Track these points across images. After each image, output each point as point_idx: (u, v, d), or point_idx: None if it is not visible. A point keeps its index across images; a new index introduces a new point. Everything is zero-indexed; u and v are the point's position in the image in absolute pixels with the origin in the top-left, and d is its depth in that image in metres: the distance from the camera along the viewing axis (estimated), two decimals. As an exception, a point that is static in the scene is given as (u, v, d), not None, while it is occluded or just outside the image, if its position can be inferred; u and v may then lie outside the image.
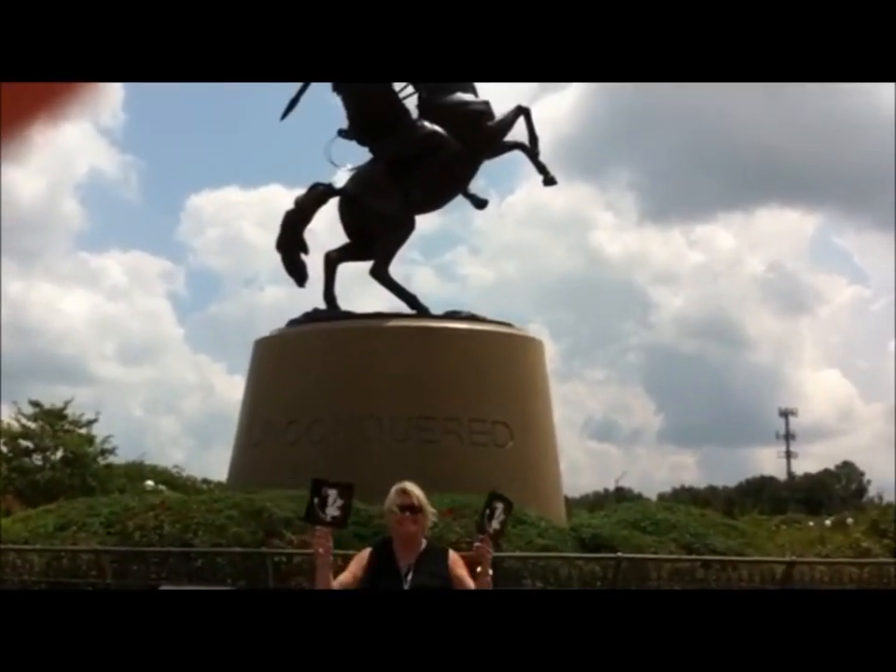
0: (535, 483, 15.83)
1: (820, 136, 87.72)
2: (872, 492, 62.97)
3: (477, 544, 5.23)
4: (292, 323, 17.77)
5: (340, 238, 17.84)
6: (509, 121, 17.95)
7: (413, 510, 5.14)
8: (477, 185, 19.23)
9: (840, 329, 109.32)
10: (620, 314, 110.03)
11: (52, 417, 36.34)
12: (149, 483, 29.56)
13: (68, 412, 36.90)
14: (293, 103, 17.12)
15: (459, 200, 18.63)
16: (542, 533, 13.11)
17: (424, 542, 5.25)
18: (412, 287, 18.04)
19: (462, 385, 16.21)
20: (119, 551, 12.73)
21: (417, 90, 17.67)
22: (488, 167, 19.03)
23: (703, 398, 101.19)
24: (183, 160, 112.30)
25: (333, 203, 17.62)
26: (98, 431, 37.67)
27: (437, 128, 17.18)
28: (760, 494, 61.79)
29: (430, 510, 5.29)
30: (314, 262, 17.58)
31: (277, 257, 17.59)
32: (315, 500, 5.00)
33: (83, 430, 37.21)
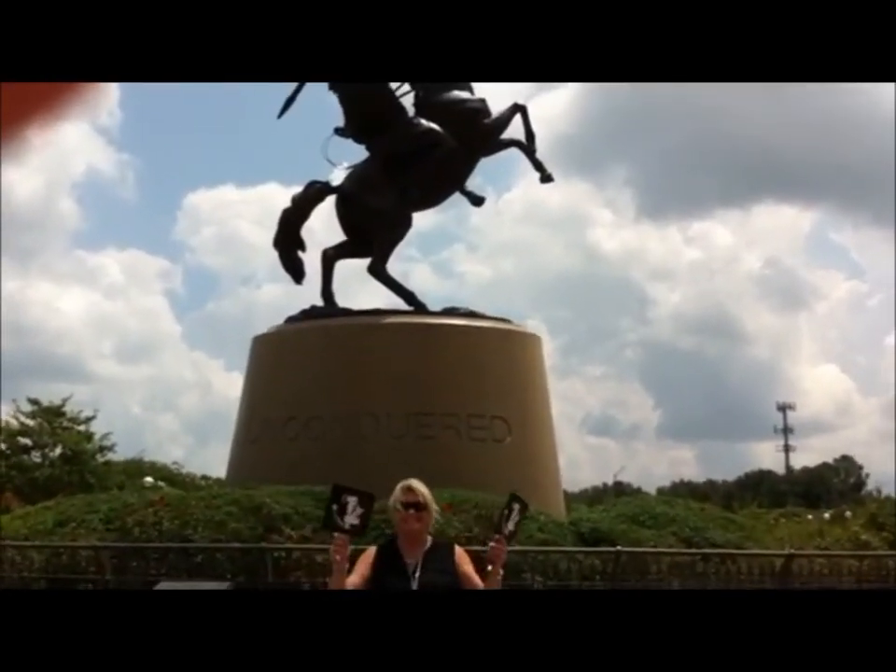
0: (534, 477, 15.83)
1: (818, 132, 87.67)
2: (870, 485, 62.89)
3: (492, 544, 5.21)
4: (290, 320, 17.79)
5: (337, 235, 17.88)
6: (505, 119, 17.95)
7: (418, 507, 5.11)
8: (474, 182, 19.26)
9: (838, 325, 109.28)
10: (617, 310, 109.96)
11: (51, 415, 36.30)
12: (148, 479, 29.50)
13: (66, 409, 36.86)
14: (290, 101, 17.13)
15: (456, 197, 18.67)
16: (542, 527, 13.14)
17: (429, 539, 5.23)
18: (409, 284, 18.10)
19: (460, 381, 16.23)
20: (118, 547, 12.76)
21: (414, 88, 17.66)
22: (485, 164, 19.06)
23: (701, 393, 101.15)
24: (180, 158, 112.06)
25: (330, 200, 17.63)
26: (96, 428, 37.67)
27: (433, 125, 17.18)
28: (758, 488, 61.71)
29: (435, 507, 5.29)
30: (311, 260, 17.63)
31: (275, 254, 17.63)
32: (335, 507, 4.95)
33: (81, 427, 37.15)
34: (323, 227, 21.40)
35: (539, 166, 18.20)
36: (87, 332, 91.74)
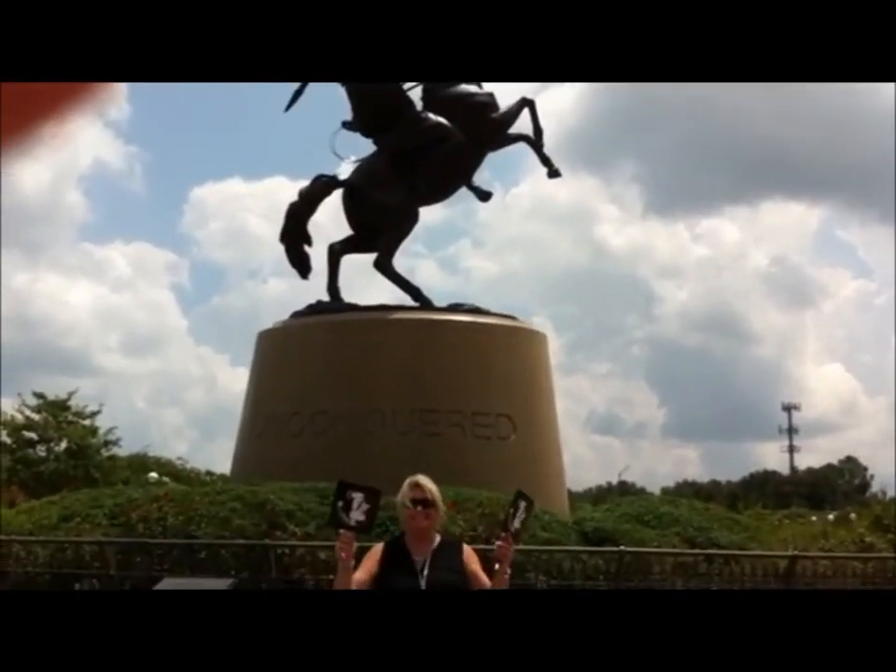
0: (538, 476, 15.81)
1: (826, 130, 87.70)
2: (875, 487, 62.83)
3: (499, 543, 5.15)
4: (296, 315, 17.78)
5: (344, 230, 17.86)
6: (513, 113, 17.91)
7: (426, 504, 5.06)
8: (481, 177, 19.25)
9: (844, 323, 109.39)
10: (624, 307, 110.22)
11: (56, 409, 36.39)
12: (153, 474, 29.58)
13: (72, 403, 36.96)
14: (297, 94, 17.10)
15: (463, 192, 18.62)
16: (546, 526, 13.11)
17: (437, 537, 5.18)
18: (415, 280, 18.10)
19: (465, 378, 16.21)
20: (122, 542, 12.76)
21: (422, 82, 17.63)
22: (492, 159, 19.03)
23: (706, 392, 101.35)
24: (187, 151, 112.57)
25: (337, 194, 17.62)
26: (102, 423, 37.74)
27: (441, 120, 17.15)
28: (763, 488, 61.74)
29: (442, 505, 5.25)
30: (317, 254, 17.63)
31: (281, 249, 17.62)
32: (340, 504, 4.88)
33: (87, 422, 37.25)
34: (330, 221, 21.43)
35: (546, 161, 18.16)
36: (93, 325, 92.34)
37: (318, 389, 16.30)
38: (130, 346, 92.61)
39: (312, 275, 17.75)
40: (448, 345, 16.47)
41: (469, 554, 5.17)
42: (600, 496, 43.78)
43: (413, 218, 17.46)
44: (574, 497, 22.44)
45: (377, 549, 5.17)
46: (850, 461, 74.74)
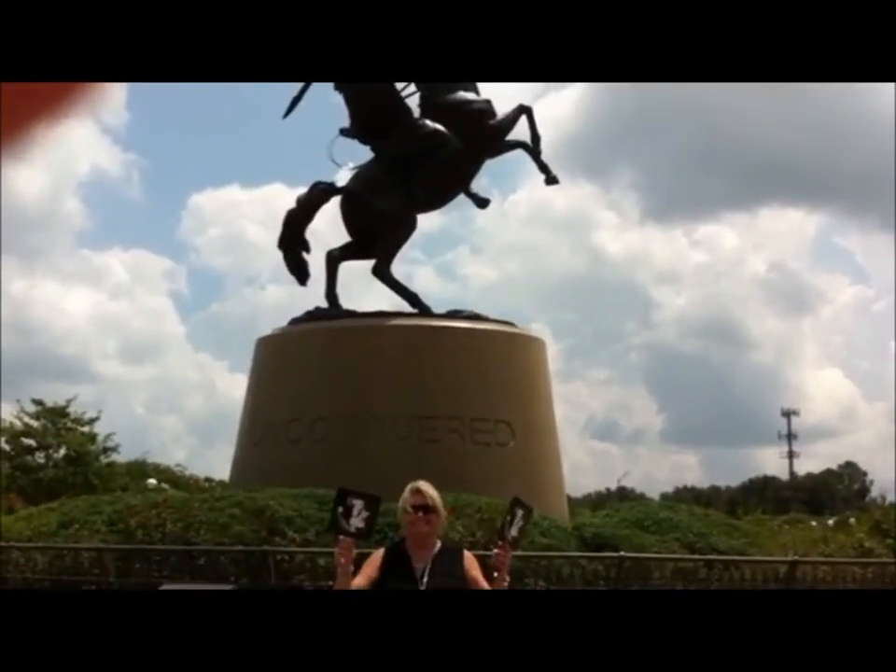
0: (537, 481, 15.80)
1: (824, 136, 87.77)
2: (874, 492, 62.78)
3: (496, 550, 5.16)
4: (294, 322, 17.76)
5: (342, 237, 17.85)
6: (511, 120, 17.91)
7: (427, 510, 5.05)
8: (479, 184, 19.26)
9: (842, 329, 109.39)
10: (622, 313, 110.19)
11: (55, 415, 36.37)
12: (152, 481, 29.58)
13: (70, 410, 36.95)
14: (295, 101, 17.12)
15: (461, 199, 18.62)
16: (545, 532, 13.09)
17: (438, 543, 5.17)
18: (413, 287, 18.07)
19: (464, 385, 16.20)
20: (121, 549, 12.75)
21: (419, 88, 17.65)
22: (490, 166, 19.06)
23: (705, 397, 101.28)
24: (185, 158, 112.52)
25: (335, 201, 17.62)
26: (100, 429, 37.75)
27: (439, 126, 17.16)
28: (762, 494, 61.61)
29: (444, 511, 5.23)
30: (315, 261, 17.62)
31: (279, 255, 17.62)
32: (340, 510, 4.88)
33: (85, 428, 37.24)
34: (328, 228, 21.44)
35: (544, 168, 18.15)
36: (91, 332, 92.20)
37: (317, 396, 16.28)
38: (128, 353, 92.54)
39: (310, 282, 17.76)
40: (446, 352, 16.46)
41: (470, 560, 5.16)
42: (599, 501, 43.71)
43: (410, 225, 17.45)
44: (573, 503, 22.40)
45: (377, 555, 5.15)
46: (850, 466, 74.66)
